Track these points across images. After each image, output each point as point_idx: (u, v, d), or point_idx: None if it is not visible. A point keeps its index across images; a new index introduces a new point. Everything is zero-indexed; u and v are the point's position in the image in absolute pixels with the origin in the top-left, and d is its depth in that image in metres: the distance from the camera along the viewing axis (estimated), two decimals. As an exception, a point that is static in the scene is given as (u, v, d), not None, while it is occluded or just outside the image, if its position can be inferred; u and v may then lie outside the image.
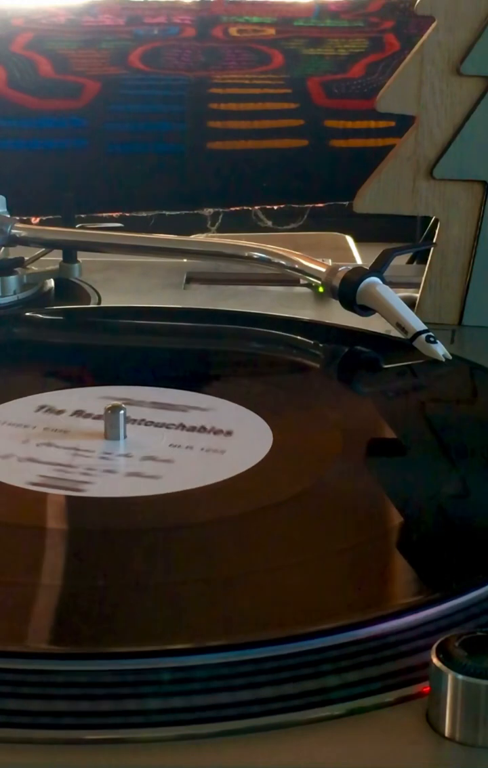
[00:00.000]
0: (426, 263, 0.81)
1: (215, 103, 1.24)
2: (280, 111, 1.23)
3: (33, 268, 0.85)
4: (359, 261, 1.03)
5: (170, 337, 0.76)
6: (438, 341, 0.68)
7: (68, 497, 0.52)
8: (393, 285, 0.74)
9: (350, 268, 0.74)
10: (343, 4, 1.49)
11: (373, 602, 0.45)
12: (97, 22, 1.43)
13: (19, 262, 0.84)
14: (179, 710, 0.40)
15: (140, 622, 0.44)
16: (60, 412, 0.62)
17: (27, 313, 0.80)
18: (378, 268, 0.73)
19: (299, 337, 0.74)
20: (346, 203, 1.10)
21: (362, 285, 0.72)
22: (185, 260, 0.91)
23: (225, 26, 1.43)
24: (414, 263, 0.96)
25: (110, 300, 0.84)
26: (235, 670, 0.41)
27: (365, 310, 0.73)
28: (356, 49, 1.35)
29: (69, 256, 0.86)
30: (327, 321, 0.77)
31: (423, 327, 0.69)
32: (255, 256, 0.79)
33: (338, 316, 0.75)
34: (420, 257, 0.94)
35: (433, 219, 0.81)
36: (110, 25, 1.43)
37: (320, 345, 0.74)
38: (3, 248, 0.84)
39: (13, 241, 0.84)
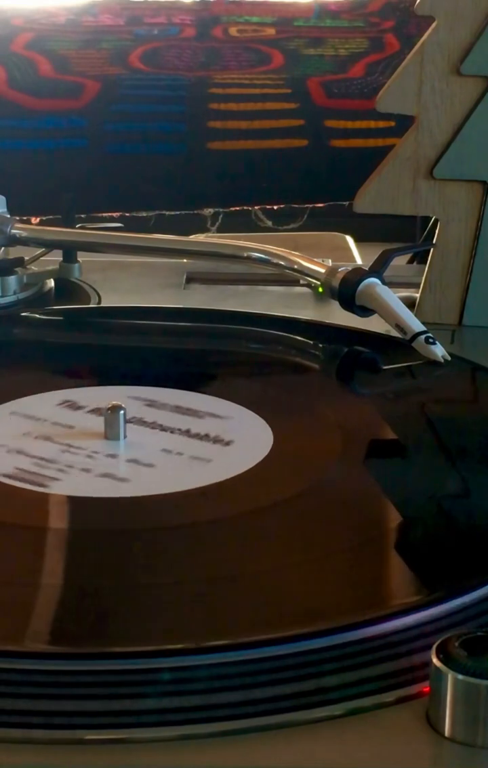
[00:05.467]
0: (426, 263, 0.81)
1: (215, 103, 1.24)
2: (280, 111, 1.23)
3: (33, 268, 0.85)
4: (359, 261, 1.03)
5: (198, 339, 0.76)
6: (437, 342, 0.68)
7: (29, 491, 0.52)
8: (393, 285, 0.74)
9: (349, 268, 0.73)
10: (343, 4, 1.49)
11: (373, 602, 0.45)
12: (97, 22, 1.43)
13: (19, 262, 0.84)
14: (178, 710, 0.40)
15: (139, 623, 0.44)
16: (79, 408, 0.61)
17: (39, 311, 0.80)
18: (378, 269, 0.73)
19: (298, 338, 0.74)
20: (346, 203, 1.10)
21: (361, 286, 0.72)
22: (185, 260, 0.91)
23: (225, 26, 1.43)
24: (414, 263, 0.96)
25: (110, 300, 0.84)
26: (235, 670, 0.41)
27: (364, 311, 0.73)
28: (356, 49, 1.35)
29: (69, 256, 0.85)
30: (327, 321, 0.77)
31: (422, 328, 0.69)
32: (255, 257, 0.79)
33: (338, 316, 0.75)
34: (420, 257, 0.94)
35: (433, 219, 0.81)
36: (110, 25, 1.43)
37: (320, 345, 0.74)
38: (3, 248, 0.84)
39: (13, 241, 0.84)
